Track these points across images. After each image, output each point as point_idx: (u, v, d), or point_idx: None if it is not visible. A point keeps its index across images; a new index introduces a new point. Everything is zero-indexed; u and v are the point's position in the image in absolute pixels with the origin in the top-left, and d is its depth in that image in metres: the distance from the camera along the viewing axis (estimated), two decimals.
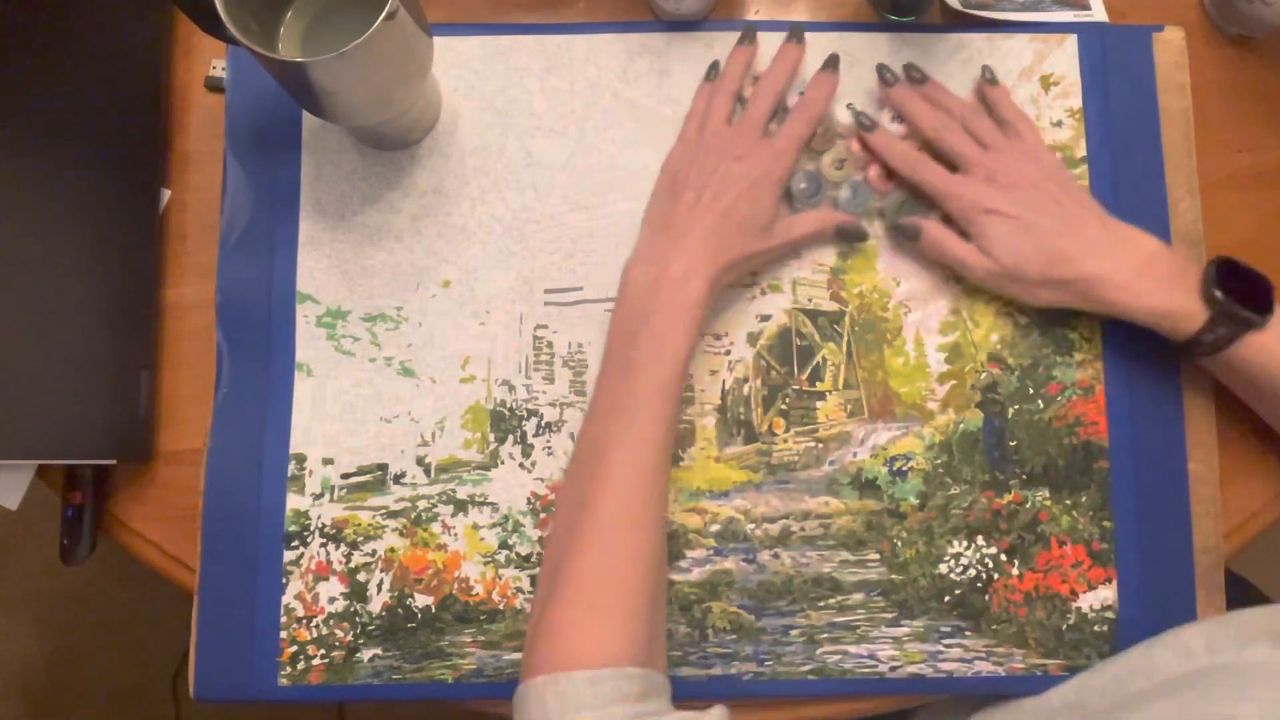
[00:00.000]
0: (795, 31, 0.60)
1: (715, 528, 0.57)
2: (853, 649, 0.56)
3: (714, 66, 0.60)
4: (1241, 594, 0.67)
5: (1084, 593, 0.57)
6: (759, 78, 0.59)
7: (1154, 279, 0.53)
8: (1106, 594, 0.57)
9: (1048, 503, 0.57)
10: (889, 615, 0.56)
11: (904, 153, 0.59)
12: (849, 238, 0.59)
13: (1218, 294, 0.52)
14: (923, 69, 0.60)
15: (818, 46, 0.61)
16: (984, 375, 0.59)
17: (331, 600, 0.56)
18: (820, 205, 0.60)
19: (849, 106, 0.60)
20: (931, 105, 0.59)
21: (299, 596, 0.56)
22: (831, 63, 0.59)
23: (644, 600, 0.47)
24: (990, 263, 0.56)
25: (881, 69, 0.60)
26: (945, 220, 0.58)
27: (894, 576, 0.57)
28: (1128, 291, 0.53)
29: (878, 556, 0.57)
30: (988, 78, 0.60)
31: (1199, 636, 0.50)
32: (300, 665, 0.56)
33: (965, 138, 0.58)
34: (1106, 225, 0.55)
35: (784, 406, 0.58)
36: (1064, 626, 0.56)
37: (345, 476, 0.58)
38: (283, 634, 0.56)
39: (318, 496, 0.57)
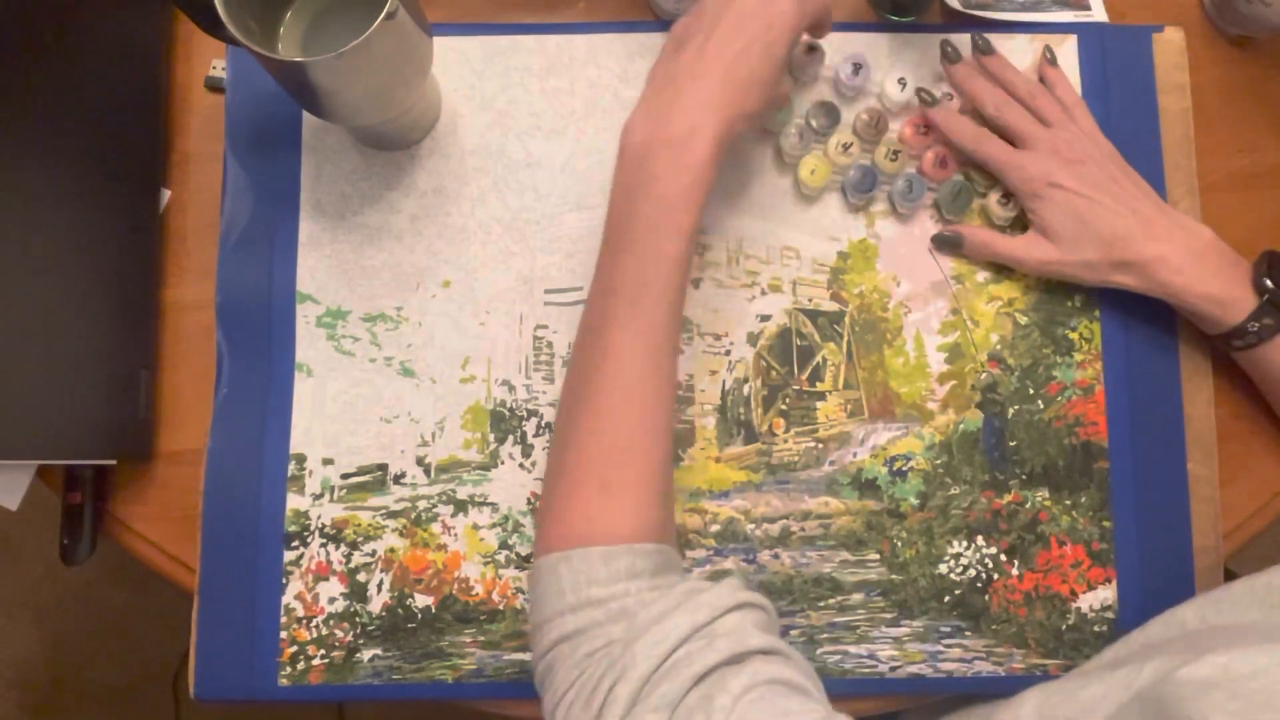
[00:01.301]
0: None
1: (715, 528, 0.57)
2: (853, 649, 0.56)
3: None
4: None
5: (1084, 593, 0.57)
6: None
7: (1209, 265, 0.54)
8: (1106, 594, 0.57)
9: (1047, 503, 0.57)
10: (889, 615, 0.56)
11: (967, 128, 0.58)
12: (948, 245, 0.59)
13: (1268, 283, 0.53)
14: (988, 40, 0.60)
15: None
16: (984, 375, 0.59)
17: (331, 600, 0.56)
18: (874, 198, 0.60)
19: (901, 80, 0.59)
20: (992, 83, 0.59)
21: (299, 596, 0.56)
22: None
23: (655, 478, 0.46)
24: (1046, 250, 0.56)
25: (944, 44, 0.59)
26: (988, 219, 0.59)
27: (894, 576, 0.57)
28: (1184, 275, 0.54)
29: (878, 557, 0.57)
30: (1048, 58, 0.60)
31: (1191, 609, 0.50)
32: (300, 665, 0.56)
33: (1028, 115, 0.58)
34: (1163, 209, 0.56)
35: (784, 407, 0.58)
36: (1064, 626, 0.56)
37: (345, 476, 0.58)
38: (283, 634, 0.56)
39: (318, 496, 0.57)
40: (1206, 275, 0.54)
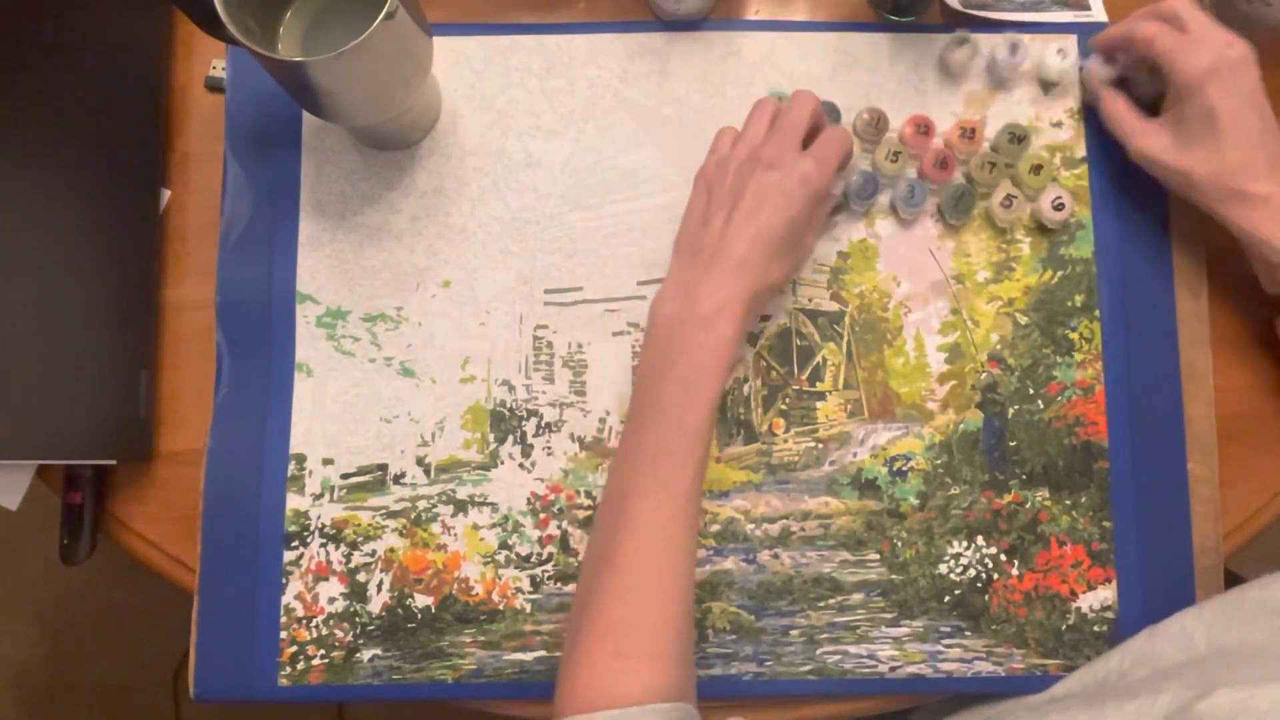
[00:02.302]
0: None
1: (715, 528, 0.57)
2: (853, 649, 0.56)
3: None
4: None
5: (1084, 593, 0.57)
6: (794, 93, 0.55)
7: None
8: (1106, 594, 0.57)
9: (1047, 503, 0.57)
10: (889, 615, 0.56)
11: (1136, 16, 0.56)
12: (834, 212, 0.59)
13: None
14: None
15: (818, 46, 0.61)
16: (984, 375, 0.59)
17: (331, 600, 0.56)
18: (874, 203, 0.59)
19: (1060, 50, 0.59)
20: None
21: (299, 596, 0.56)
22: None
23: (672, 642, 0.47)
24: (1163, 146, 0.54)
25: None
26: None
27: (894, 577, 0.57)
28: (1276, 224, 0.52)
29: (878, 557, 0.57)
30: None
31: (1200, 625, 0.50)
32: (300, 665, 0.56)
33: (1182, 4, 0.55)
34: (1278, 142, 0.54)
35: (784, 407, 0.58)
36: (1064, 626, 0.56)
37: (345, 476, 0.58)
38: (283, 634, 0.56)
39: (318, 497, 0.57)
40: None
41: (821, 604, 0.56)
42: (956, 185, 0.59)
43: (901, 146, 0.59)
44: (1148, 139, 0.55)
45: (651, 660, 0.46)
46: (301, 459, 0.58)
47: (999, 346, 0.59)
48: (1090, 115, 0.61)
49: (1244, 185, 0.52)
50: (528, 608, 0.56)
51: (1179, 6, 0.55)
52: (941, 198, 0.59)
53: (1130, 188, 0.59)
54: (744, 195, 0.51)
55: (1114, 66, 0.58)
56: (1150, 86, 0.58)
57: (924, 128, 0.59)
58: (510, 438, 0.58)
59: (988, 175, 0.59)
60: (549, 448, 0.58)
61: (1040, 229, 0.60)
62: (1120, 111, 0.57)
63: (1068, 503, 0.57)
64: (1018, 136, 0.59)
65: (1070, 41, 0.61)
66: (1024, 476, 0.58)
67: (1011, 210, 0.58)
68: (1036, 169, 0.58)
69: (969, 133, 0.59)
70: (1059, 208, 0.58)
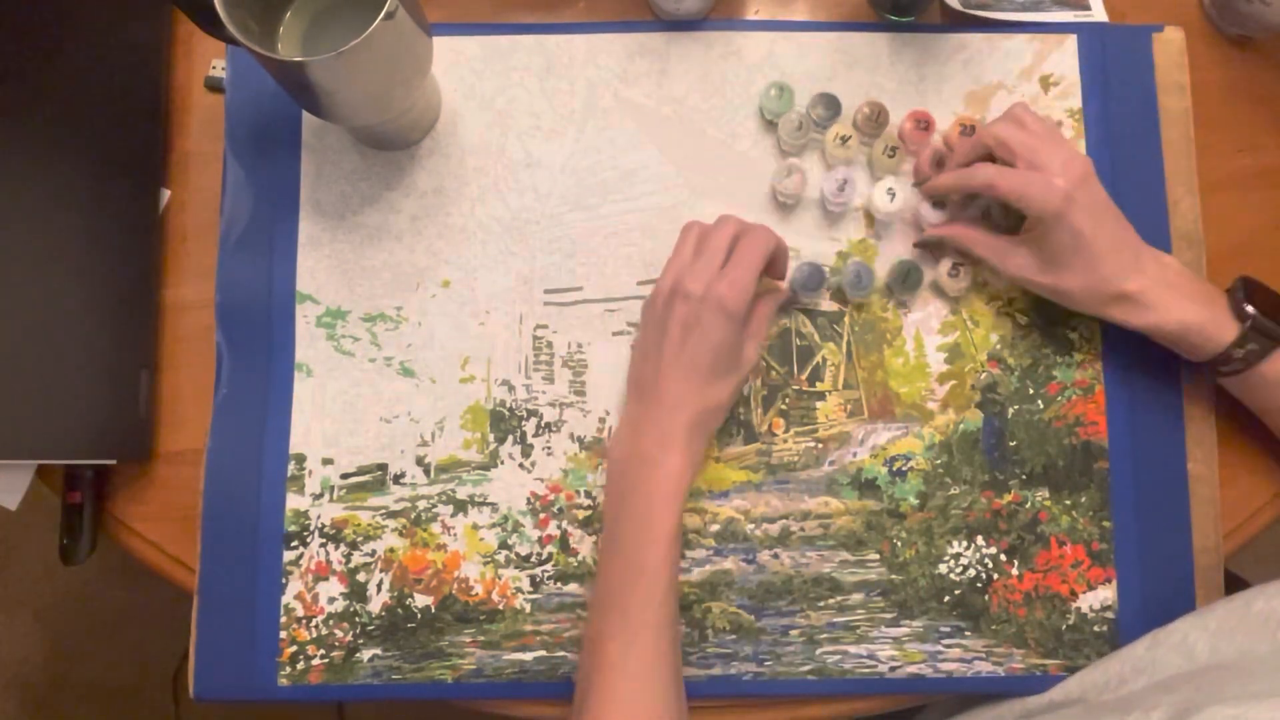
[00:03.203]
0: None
1: (715, 528, 0.57)
2: (853, 649, 0.56)
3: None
4: None
5: (1084, 593, 0.57)
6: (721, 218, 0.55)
7: (1185, 294, 0.53)
8: (1106, 594, 0.57)
9: (1047, 503, 0.57)
10: (889, 615, 0.56)
11: (987, 166, 0.55)
12: (784, 307, 0.59)
13: (1249, 309, 0.52)
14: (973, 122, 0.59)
15: (818, 46, 0.61)
16: (984, 375, 0.59)
17: (331, 600, 0.56)
18: (823, 295, 0.59)
19: (890, 191, 0.58)
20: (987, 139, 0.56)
21: (299, 596, 0.56)
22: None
23: None
24: (1024, 265, 0.55)
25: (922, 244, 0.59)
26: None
27: (894, 576, 0.57)
28: (1162, 307, 0.53)
29: (877, 556, 0.57)
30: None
31: (1203, 635, 0.50)
32: (300, 665, 0.56)
33: (1027, 138, 0.54)
34: (1134, 238, 0.54)
35: (784, 406, 0.58)
36: (1064, 626, 0.56)
37: (345, 476, 0.58)
38: (283, 634, 0.56)
39: (317, 496, 0.57)
40: (1182, 305, 0.53)
41: (821, 604, 0.56)
42: (902, 262, 0.58)
43: (899, 142, 0.59)
44: (1017, 260, 0.55)
45: None
46: (301, 459, 0.58)
47: (999, 346, 0.59)
48: (1091, 116, 0.61)
49: (1119, 288, 0.53)
50: (527, 608, 0.56)
51: (1006, 135, 0.54)
52: (889, 277, 0.59)
53: (1130, 187, 0.59)
54: (669, 330, 0.52)
55: (943, 210, 0.58)
56: (1002, 219, 0.59)
57: (924, 123, 0.59)
58: (510, 438, 0.58)
59: (932, 252, 0.59)
60: (549, 448, 0.58)
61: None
62: (978, 239, 0.57)
63: (1068, 503, 0.57)
64: None
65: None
66: (1024, 476, 0.58)
67: (960, 279, 0.58)
68: None
69: (969, 130, 0.59)
70: (954, 274, 0.58)
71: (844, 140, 0.59)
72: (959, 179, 0.56)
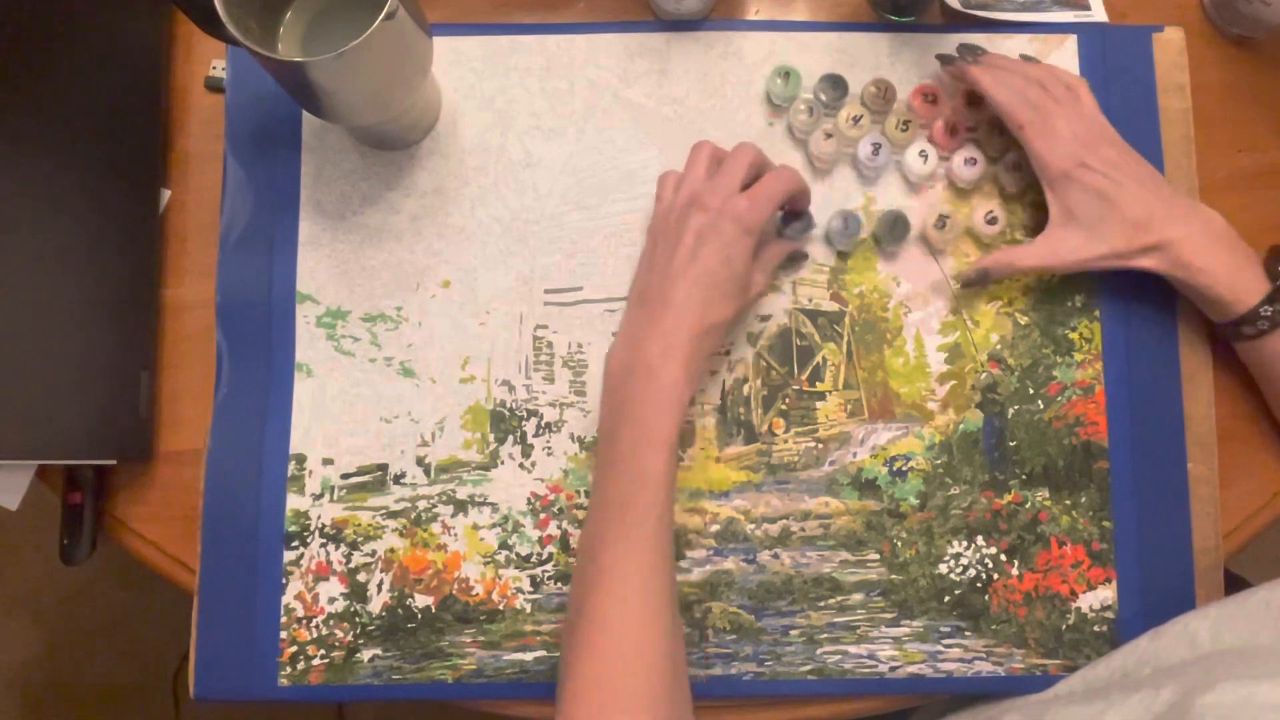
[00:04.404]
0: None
1: (715, 528, 0.57)
2: (853, 649, 0.56)
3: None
4: None
5: (1084, 593, 0.57)
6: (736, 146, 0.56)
7: (1225, 249, 0.54)
8: (1106, 594, 0.57)
9: (1047, 503, 0.57)
10: (889, 615, 0.56)
11: (1012, 87, 0.56)
12: (795, 259, 0.59)
13: None
14: (978, 46, 0.59)
15: (818, 46, 0.61)
16: (984, 375, 0.59)
17: (331, 600, 0.56)
18: (809, 240, 0.59)
19: (923, 153, 0.59)
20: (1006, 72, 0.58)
21: (299, 596, 0.56)
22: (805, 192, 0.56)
23: (655, 687, 0.47)
24: (1073, 245, 0.55)
25: (961, 46, 0.59)
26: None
27: (894, 576, 0.57)
28: (1202, 257, 0.54)
29: (878, 557, 0.57)
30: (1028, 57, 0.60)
31: (1205, 623, 0.50)
32: (300, 665, 0.56)
33: (1045, 95, 0.56)
34: (1175, 193, 0.56)
35: (784, 406, 0.58)
36: (1064, 626, 0.56)
37: (345, 477, 0.58)
38: (283, 634, 0.56)
39: (318, 497, 0.57)
40: (1222, 258, 0.54)
41: (821, 604, 0.56)
42: (889, 212, 0.59)
43: (911, 115, 0.59)
44: (1066, 247, 0.56)
45: (636, 710, 0.46)
46: (301, 459, 0.58)
47: (999, 346, 0.59)
48: (1100, 93, 0.60)
49: (1154, 237, 0.54)
50: (528, 608, 0.56)
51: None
52: (876, 227, 0.59)
53: None
54: (682, 238, 0.52)
55: (928, 160, 0.59)
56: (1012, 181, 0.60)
57: (931, 97, 0.60)
58: (510, 438, 0.58)
59: (997, 140, 0.59)
60: (549, 448, 0.58)
61: (1040, 228, 0.59)
62: (1019, 254, 0.57)
63: (1068, 503, 0.57)
64: None
65: (1071, 41, 0.60)
66: (1024, 476, 0.58)
67: (945, 231, 0.58)
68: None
69: (977, 99, 0.59)
70: (991, 221, 0.59)
71: (856, 120, 0.59)
72: (1012, 96, 0.56)
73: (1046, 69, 0.58)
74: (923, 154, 0.59)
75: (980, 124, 0.60)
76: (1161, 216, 0.54)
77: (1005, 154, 0.60)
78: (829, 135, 0.59)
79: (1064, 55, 0.61)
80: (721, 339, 0.55)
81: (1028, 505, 0.57)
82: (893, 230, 0.59)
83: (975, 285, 0.58)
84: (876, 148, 0.59)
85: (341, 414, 0.58)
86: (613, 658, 0.46)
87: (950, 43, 0.61)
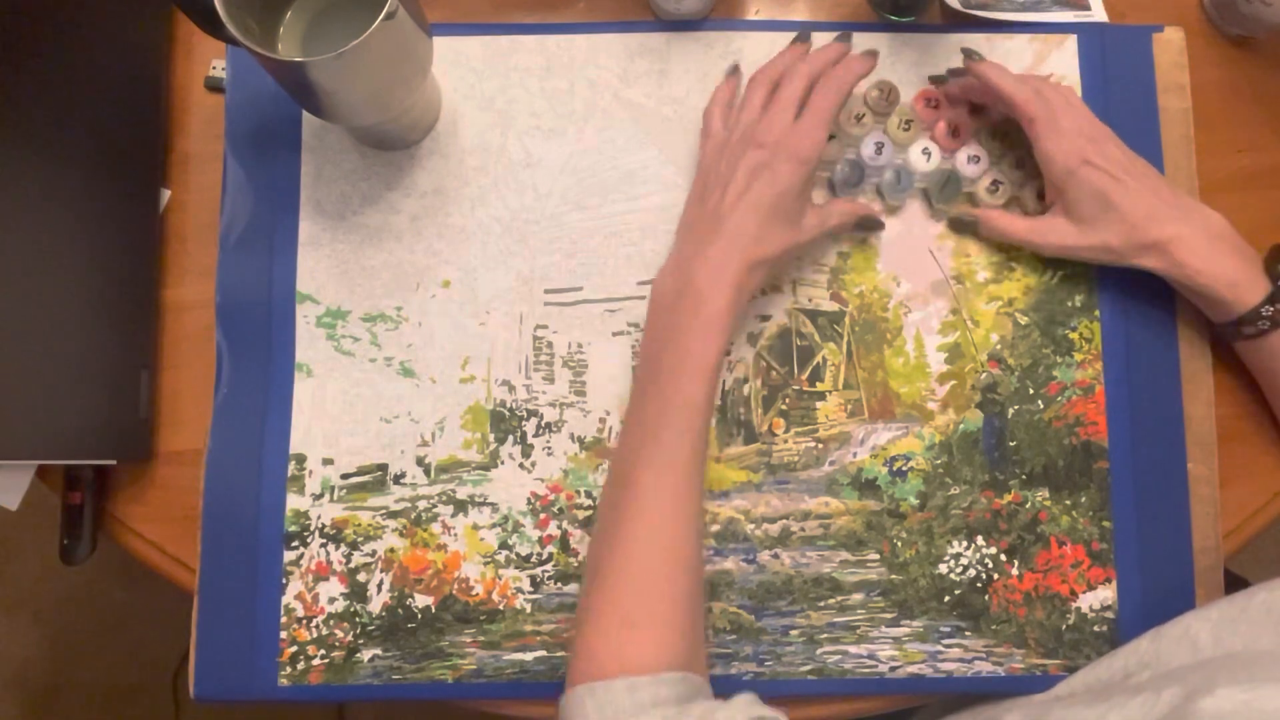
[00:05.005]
0: (842, 36, 0.59)
1: (715, 528, 0.57)
2: (853, 649, 0.56)
3: (735, 68, 0.60)
4: None
5: (1084, 593, 0.57)
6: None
7: (1225, 249, 0.54)
8: (1106, 594, 0.57)
9: (1047, 503, 0.57)
10: (889, 615, 0.56)
11: (1017, 81, 0.56)
12: (869, 228, 0.59)
13: None
14: (979, 53, 0.59)
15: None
16: (984, 375, 0.59)
17: (331, 600, 0.56)
18: (864, 191, 0.60)
19: (925, 150, 0.59)
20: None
21: (299, 596, 0.56)
22: (871, 53, 0.57)
23: (680, 610, 0.48)
24: (1064, 232, 0.56)
25: (965, 50, 0.59)
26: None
27: (894, 576, 0.57)
28: (1200, 257, 0.54)
29: (878, 557, 0.57)
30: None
31: (1205, 626, 0.50)
32: (300, 665, 0.56)
33: (1047, 94, 0.56)
34: (1177, 192, 0.56)
35: (784, 407, 0.58)
36: (1064, 626, 0.56)
37: (345, 477, 0.58)
38: (283, 634, 0.56)
39: (318, 497, 0.57)
40: (1222, 259, 0.54)
41: (821, 604, 0.56)
42: (942, 171, 0.59)
43: (913, 115, 0.60)
44: (1057, 233, 0.56)
45: (661, 629, 0.47)
46: (301, 459, 0.58)
47: (999, 346, 0.59)
48: (1100, 93, 0.61)
49: (1154, 235, 0.54)
50: (528, 608, 0.56)
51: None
52: (928, 183, 0.59)
53: None
54: (736, 173, 0.53)
55: (932, 158, 0.59)
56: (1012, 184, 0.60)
57: (933, 102, 0.60)
58: (510, 438, 0.58)
59: (997, 145, 0.60)
60: (549, 448, 0.58)
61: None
62: (1009, 222, 0.58)
63: (1068, 503, 0.57)
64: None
65: (1071, 41, 0.61)
66: (1024, 476, 0.58)
67: (998, 195, 0.59)
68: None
69: (978, 106, 0.60)
70: (993, 190, 0.59)
71: (859, 118, 0.60)
72: (1018, 92, 0.56)
73: (1039, 78, 0.59)
74: (925, 152, 0.59)
75: (981, 129, 0.60)
76: (1161, 216, 0.54)
77: (1004, 155, 0.60)
78: (832, 136, 0.59)
79: (1064, 55, 0.61)
80: (769, 275, 0.55)
81: (1028, 505, 0.57)
82: (944, 189, 0.59)
83: (963, 230, 0.59)
84: (879, 147, 0.59)
85: (341, 414, 0.58)
86: (641, 577, 0.47)
87: (950, 43, 0.61)
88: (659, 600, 0.47)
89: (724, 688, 0.56)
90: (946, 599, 0.57)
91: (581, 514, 0.57)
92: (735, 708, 0.44)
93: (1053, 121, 0.55)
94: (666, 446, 0.49)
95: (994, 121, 0.60)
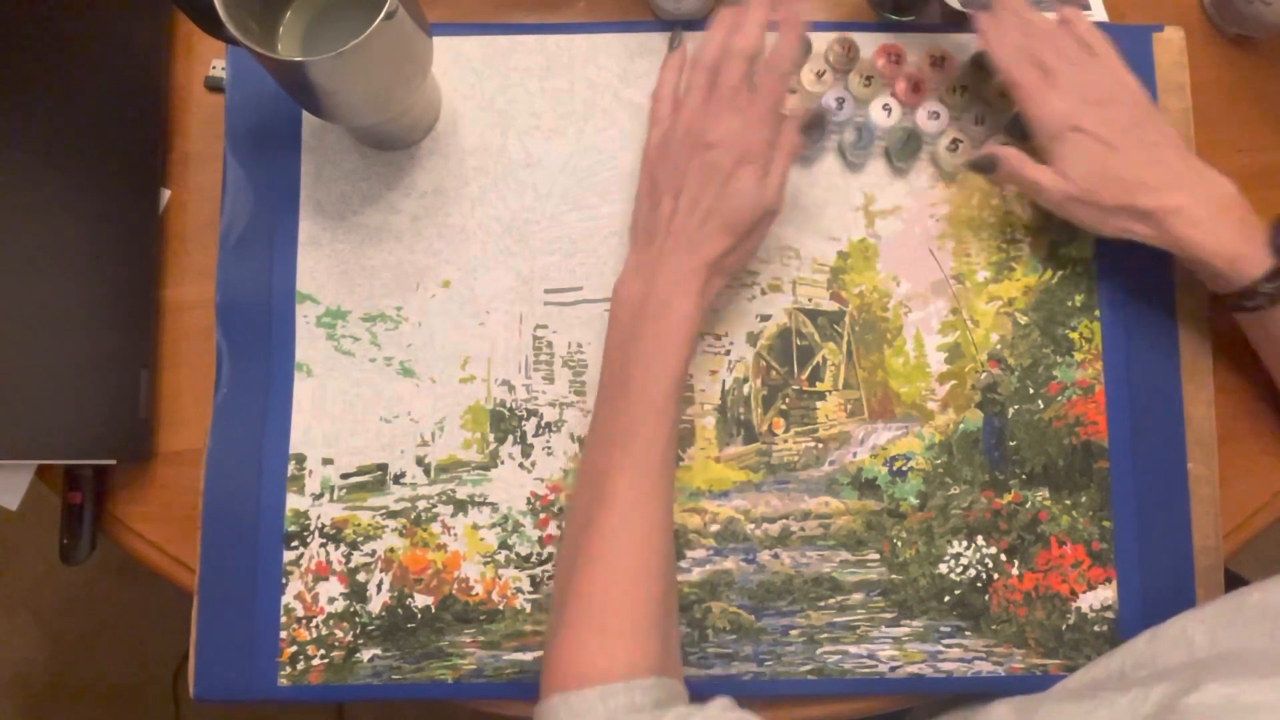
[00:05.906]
0: None
1: (715, 528, 0.57)
2: (853, 649, 0.56)
3: (677, 34, 0.59)
4: None
5: (1084, 593, 0.57)
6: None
7: (1228, 220, 0.53)
8: (1106, 594, 0.57)
9: (1047, 503, 0.57)
10: (889, 615, 0.56)
11: (1011, 44, 0.55)
12: (816, 126, 0.58)
13: None
14: None
15: (818, 46, 0.61)
16: (984, 375, 0.59)
17: (331, 600, 0.56)
18: (822, 148, 0.60)
19: (886, 106, 0.59)
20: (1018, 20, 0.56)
21: (299, 596, 0.56)
22: (799, 22, 0.53)
23: (653, 615, 0.47)
24: (1067, 185, 0.54)
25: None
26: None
27: (894, 576, 0.57)
28: (1200, 228, 0.52)
29: (878, 556, 0.57)
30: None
31: (1200, 627, 0.50)
32: (300, 665, 0.56)
33: (1056, 49, 0.55)
34: (1186, 158, 0.54)
35: (784, 406, 0.58)
36: (1064, 626, 0.56)
37: (345, 476, 0.58)
38: (283, 634, 0.56)
39: (318, 496, 0.57)
40: (1225, 230, 0.52)
41: (821, 604, 0.56)
42: (902, 129, 0.59)
43: (874, 71, 0.60)
44: (1061, 183, 0.54)
45: (634, 635, 0.46)
46: (301, 459, 0.58)
47: (999, 346, 0.59)
48: None
49: (1147, 203, 0.52)
50: (528, 608, 0.56)
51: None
52: (888, 141, 0.60)
53: None
54: (688, 176, 0.52)
55: (942, 121, 0.59)
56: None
57: (895, 57, 0.60)
58: (510, 438, 0.58)
59: (958, 99, 0.60)
60: (549, 447, 0.58)
61: (1041, 228, 0.60)
62: (1026, 165, 0.55)
63: (1068, 503, 0.57)
64: (984, 65, 0.60)
65: (893, 99, 0.60)
66: (1024, 476, 0.58)
67: (958, 154, 0.59)
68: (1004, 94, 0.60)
69: (938, 60, 0.60)
70: (953, 149, 0.59)
71: (820, 75, 0.60)
72: (1008, 53, 0.55)
73: (1060, 27, 0.56)
74: (886, 108, 0.60)
75: (941, 84, 0.60)
76: (1159, 184, 0.53)
77: (966, 110, 0.60)
78: (793, 90, 0.59)
79: None
80: (736, 268, 0.54)
81: (1028, 505, 0.57)
82: (905, 146, 0.59)
83: (981, 170, 0.57)
84: (840, 102, 0.59)
85: (341, 414, 0.58)
86: (614, 584, 0.47)
87: (950, 43, 0.61)
88: (632, 607, 0.47)
89: (724, 688, 0.56)
90: (946, 599, 0.57)
91: None
92: (710, 712, 0.44)
93: (1044, 85, 0.54)
94: (638, 454, 0.49)
95: (954, 75, 0.60)
